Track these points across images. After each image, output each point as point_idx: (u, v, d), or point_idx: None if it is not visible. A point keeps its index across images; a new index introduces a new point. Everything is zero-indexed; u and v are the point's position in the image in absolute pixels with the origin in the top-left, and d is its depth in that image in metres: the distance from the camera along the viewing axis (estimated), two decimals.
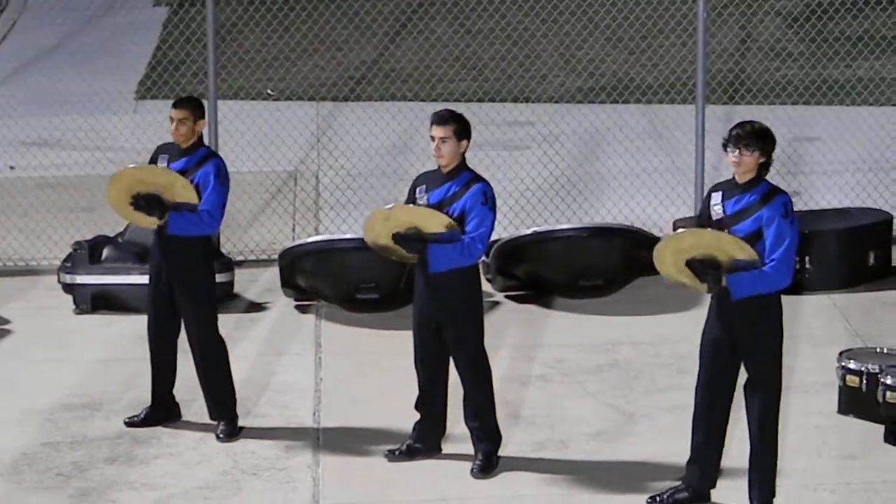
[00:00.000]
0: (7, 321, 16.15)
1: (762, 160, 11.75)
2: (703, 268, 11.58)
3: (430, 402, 13.10)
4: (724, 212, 11.79)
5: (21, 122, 21.44)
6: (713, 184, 12.38)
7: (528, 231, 16.43)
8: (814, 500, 12.25)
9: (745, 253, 11.44)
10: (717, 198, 11.91)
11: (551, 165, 18.88)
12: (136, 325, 13.89)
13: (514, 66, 21.90)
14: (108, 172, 13.59)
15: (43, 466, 13.22)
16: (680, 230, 12.26)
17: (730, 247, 11.50)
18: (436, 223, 12.57)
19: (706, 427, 12.08)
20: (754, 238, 11.61)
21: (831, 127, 20.30)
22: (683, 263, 11.64)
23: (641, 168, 17.57)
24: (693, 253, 11.59)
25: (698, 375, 12.07)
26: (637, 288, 15.04)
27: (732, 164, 11.80)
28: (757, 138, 11.75)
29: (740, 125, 11.87)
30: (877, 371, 11.31)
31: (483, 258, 13.62)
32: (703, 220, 12.03)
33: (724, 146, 11.84)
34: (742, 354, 11.85)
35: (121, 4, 26.82)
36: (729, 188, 11.90)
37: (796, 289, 15.52)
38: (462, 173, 12.75)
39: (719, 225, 11.75)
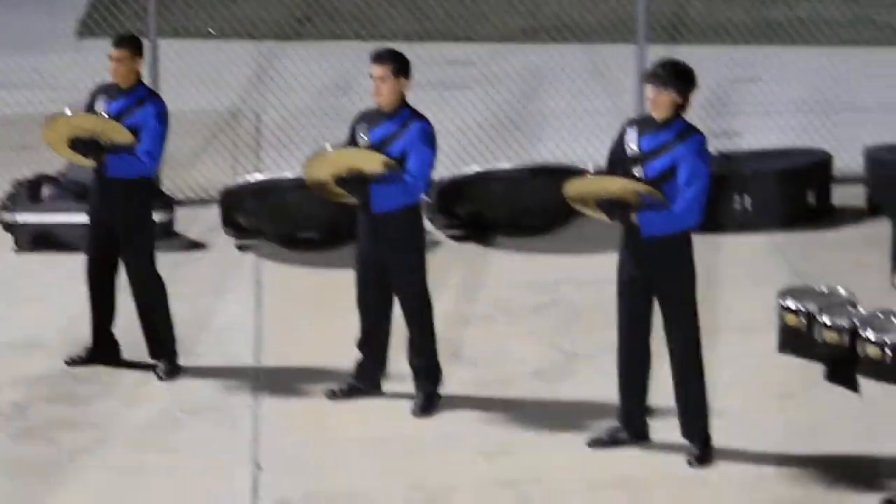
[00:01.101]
0: None
1: (679, 100, 11.85)
2: (611, 207, 11.74)
3: (372, 341, 13.18)
4: (639, 148, 11.90)
5: None
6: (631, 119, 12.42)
7: (470, 170, 16.48)
8: (751, 438, 12.35)
9: (646, 189, 11.66)
10: (632, 133, 12.05)
11: (493, 105, 18.91)
12: (76, 265, 13.88)
13: (455, 6, 21.87)
14: (50, 111, 13.54)
15: None
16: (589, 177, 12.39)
17: (632, 186, 11.72)
18: (376, 163, 12.63)
19: (629, 366, 12.22)
20: (667, 175, 11.74)
21: (772, 67, 20.38)
22: (595, 203, 11.81)
23: (583, 108, 17.62)
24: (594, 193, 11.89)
25: (618, 313, 12.21)
26: (578, 228, 15.08)
27: (649, 101, 11.97)
28: (674, 78, 11.89)
29: (661, 63, 12.03)
30: (816, 310, 11.37)
31: (424, 197, 13.62)
32: (615, 155, 12.14)
33: (647, 81, 11.96)
34: (655, 292, 12.01)
35: None
36: (645, 125, 12.06)
37: (734, 228, 15.64)
38: (402, 112, 12.83)
39: (633, 161, 11.89)
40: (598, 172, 12.22)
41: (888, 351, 11.08)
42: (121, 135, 13.20)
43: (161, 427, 12.92)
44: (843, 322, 11.35)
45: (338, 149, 12.93)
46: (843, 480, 11.93)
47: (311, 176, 12.98)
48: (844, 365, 11.38)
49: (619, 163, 11.99)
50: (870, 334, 11.19)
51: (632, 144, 11.98)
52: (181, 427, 12.93)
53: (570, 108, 18.31)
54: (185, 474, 12.22)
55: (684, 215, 11.81)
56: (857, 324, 11.31)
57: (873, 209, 16.12)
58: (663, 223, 11.81)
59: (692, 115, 12.01)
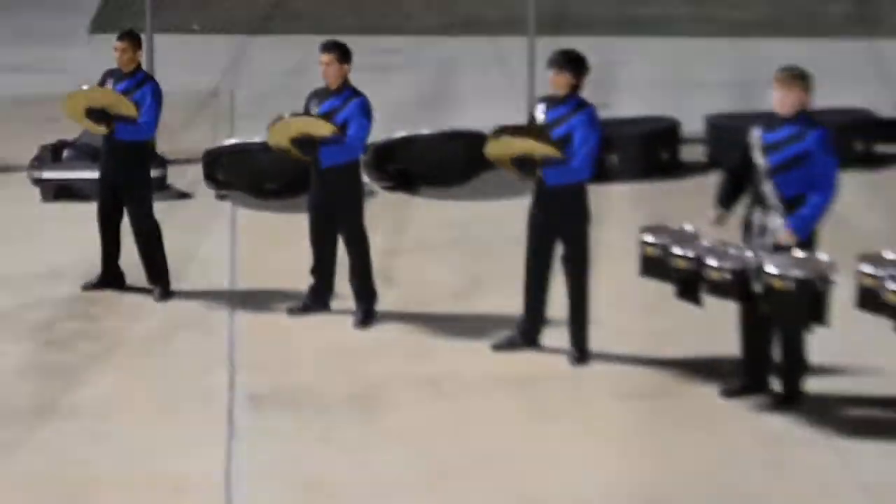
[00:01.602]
0: None
1: (574, 81, 11.92)
2: (521, 163, 11.82)
3: (322, 269, 13.22)
4: (546, 118, 11.96)
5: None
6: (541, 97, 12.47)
7: (398, 135, 16.47)
8: (620, 342, 12.44)
9: (550, 151, 11.70)
10: (542, 107, 12.19)
11: (415, 84, 18.89)
12: (90, 211, 13.84)
13: (385, 6, 21.81)
14: (68, 91, 13.54)
15: (17, 322, 13.22)
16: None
17: (540, 147, 11.74)
18: (324, 128, 12.71)
19: (533, 289, 12.29)
20: (567, 139, 11.80)
21: (634, 54, 20.34)
22: (509, 160, 11.97)
23: (485, 86, 17.59)
24: (510, 152, 11.96)
25: (526, 248, 12.25)
26: (482, 179, 15.07)
27: (551, 82, 11.98)
28: (570, 62, 12.00)
29: (560, 52, 12.16)
30: (669, 243, 11.40)
31: (362, 156, 13.61)
32: (530, 124, 12.28)
33: (548, 67, 11.98)
34: (557, 231, 12.03)
35: None
36: (551, 101, 12.12)
37: (605, 179, 15.63)
38: (345, 90, 12.92)
39: (544, 128, 11.97)
40: (511, 131, 12.21)
41: (726, 274, 11.11)
42: (126, 108, 13.27)
43: (157, 338, 12.93)
44: (690, 252, 11.37)
45: (293, 116, 12.92)
46: (690, 374, 12.00)
47: (274, 136, 13.02)
48: (691, 285, 11.41)
49: (538, 127, 12.09)
50: (711, 261, 11.21)
51: (540, 115, 12.09)
52: (173, 338, 12.92)
53: (476, 87, 18.29)
54: (176, 374, 12.24)
55: (580, 170, 11.97)
56: (701, 253, 11.33)
57: (712, 163, 16.16)
58: (563, 176, 11.90)
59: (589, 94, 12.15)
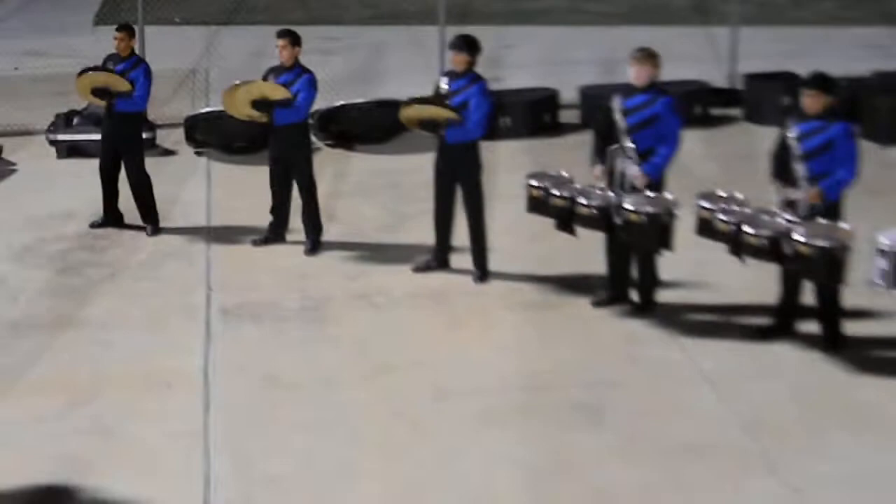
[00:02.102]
0: (14, 164, 15.98)
1: (470, 59, 11.95)
2: (430, 125, 11.88)
3: (279, 208, 13.17)
4: (449, 89, 11.99)
5: (19, 42, 21.03)
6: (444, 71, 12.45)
7: (338, 103, 16.41)
8: (512, 264, 12.46)
9: (451, 116, 11.79)
10: (445, 80, 12.17)
11: (351, 64, 18.80)
12: (94, 165, 13.72)
13: (327, 2, 21.67)
14: (76, 72, 13.42)
15: (38, 253, 13.13)
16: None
17: (442, 112, 11.80)
18: (278, 93, 12.67)
19: (440, 223, 12.34)
20: (464, 105, 11.91)
21: (523, 38, 20.27)
22: (416, 123, 12.07)
23: (406, 65, 17.52)
24: (419, 115, 12.03)
25: (434, 192, 12.29)
26: (403, 138, 15.04)
27: (452, 60, 12.14)
28: (467, 45, 12.02)
29: (459, 36, 12.23)
30: (549, 186, 11.41)
31: (310, 120, 13.56)
32: (435, 94, 12.16)
33: (450, 48, 12.11)
34: (456, 178, 12.06)
35: None
36: (452, 74, 12.11)
37: (500, 137, 15.60)
38: (296, 67, 12.86)
39: (446, 97, 12.00)
40: (419, 101, 12.19)
41: (593, 210, 11.14)
42: (123, 85, 13.19)
43: (150, 265, 12.85)
44: (565, 193, 11.38)
45: (246, 83, 12.86)
46: (568, 289, 12.03)
47: (233, 106, 12.94)
48: (567, 219, 11.42)
49: (439, 97, 12.02)
50: (582, 200, 11.23)
51: (444, 86, 12.04)
52: (161, 265, 12.85)
53: (398, 65, 18.22)
54: (164, 293, 12.20)
55: (474, 130, 11.92)
56: (574, 195, 11.34)
57: (584, 124, 16.13)
58: (461, 135, 11.87)
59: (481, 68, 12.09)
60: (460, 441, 9.62)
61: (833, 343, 10.82)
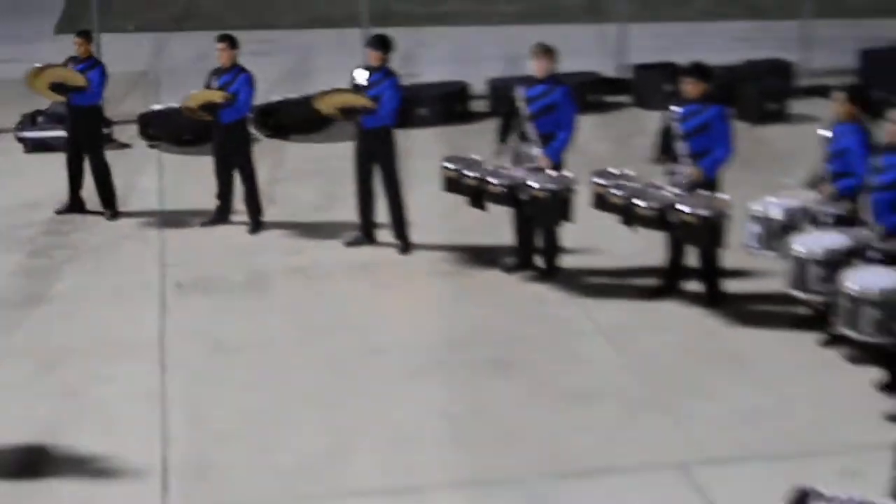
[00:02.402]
0: None
1: (384, 56, 12.00)
2: (347, 112, 12.07)
3: (224, 194, 13.07)
4: (367, 82, 11.97)
5: None
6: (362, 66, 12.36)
7: (273, 99, 16.30)
8: (430, 236, 12.46)
9: (365, 103, 11.88)
10: (363, 74, 12.12)
11: (285, 64, 18.74)
12: (58, 159, 13.60)
13: (262, 8, 21.56)
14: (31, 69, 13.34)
15: (9, 238, 13.00)
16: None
17: (359, 100, 11.89)
18: (219, 96, 12.59)
19: (363, 201, 12.34)
20: (379, 97, 11.95)
21: (437, 38, 20.21)
22: (338, 109, 12.18)
23: (334, 64, 17.38)
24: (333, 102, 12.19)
25: (355, 174, 12.32)
26: (332, 129, 14.94)
27: (369, 57, 12.18)
28: (381, 44, 12.07)
29: (374, 36, 12.37)
30: (462, 167, 11.40)
31: (249, 114, 13.44)
32: (354, 86, 12.16)
33: (367, 46, 12.32)
34: (373, 160, 12.09)
35: None
36: (369, 69, 12.08)
37: (417, 125, 15.56)
38: (235, 68, 12.78)
39: (364, 88, 12.02)
40: (334, 91, 12.22)
41: (502, 189, 11.15)
42: (78, 79, 13.02)
43: (109, 245, 12.74)
44: (477, 173, 11.38)
45: (200, 90, 12.80)
46: (480, 257, 12.04)
47: (187, 103, 12.83)
48: (478, 197, 11.43)
49: (357, 88, 11.99)
50: (492, 180, 11.23)
51: (360, 81, 12.00)
52: (120, 245, 12.75)
53: (326, 65, 18.11)
54: (123, 271, 12.14)
55: (386, 117, 11.98)
56: (484, 175, 11.35)
57: (492, 112, 16.05)
58: (376, 122, 11.91)
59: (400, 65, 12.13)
60: (389, 393, 9.64)
61: (713, 299, 10.90)
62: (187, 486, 8.49)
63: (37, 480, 8.55)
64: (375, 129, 12.08)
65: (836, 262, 9.69)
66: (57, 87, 13.09)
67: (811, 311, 10.33)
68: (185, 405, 9.54)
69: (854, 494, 5.07)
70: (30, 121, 15.97)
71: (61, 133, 14.15)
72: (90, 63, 13.33)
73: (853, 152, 10.04)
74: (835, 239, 9.85)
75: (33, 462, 8.75)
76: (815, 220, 10.21)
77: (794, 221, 10.25)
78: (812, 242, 9.88)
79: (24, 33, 21.14)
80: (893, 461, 5.86)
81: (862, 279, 9.22)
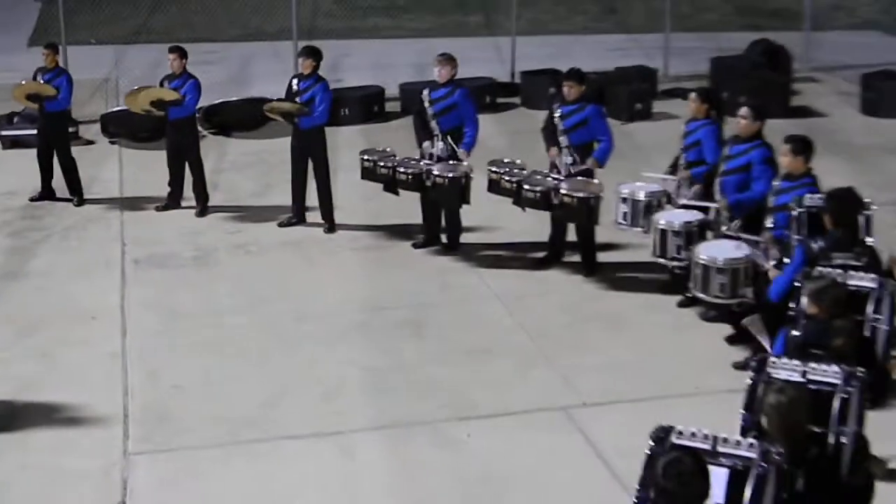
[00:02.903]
0: None
1: (314, 64, 11.88)
2: (286, 115, 11.93)
3: (175, 182, 12.86)
4: (299, 87, 11.90)
5: None
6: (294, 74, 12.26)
7: (217, 101, 16.03)
8: (354, 217, 12.36)
9: (298, 108, 11.81)
10: (296, 81, 12.05)
11: (227, 71, 18.50)
12: (32, 154, 13.36)
13: (207, 24, 21.26)
14: (14, 84, 13.06)
15: None
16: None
17: (294, 107, 11.89)
18: (170, 96, 12.46)
19: (296, 188, 12.24)
20: (311, 101, 11.86)
21: (357, 50, 20.04)
22: (279, 114, 12.18)
23: (269, 71, 17.24)
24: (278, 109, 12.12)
25: (292, 166, 12.19)
26: (269, 127, 14.66)
27: (301, 66, 12.11)
28: (312, 53, 11.99)
29: (305, 47, 12.23)
30: (376, 159, 11.37)
31: (197, 114, 13.26)
32: (288, 95, 12.07)
33: (299, 56, 12.22)
34: (307, 153, 11.95)
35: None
36: (301, 77, 12.00)
37: (340, 124, 15.40)
38: (185, 74, 12.63)
39: (297, 95, 11.93)
40: (278, 101, 12.12)
41: (410, 177, 11.14)
42: (49, 91, 12.77)
43: (77, 228, 12.49)
44: (389, 164, 11.36)
45: (147, 88, 12.78)
46: (394, 235, 11.98)
47: (136, 104, 12.80)
48: (391, 184, 11.42)
49: (290, 95, 11.93)
50: (401, 169, 11.23)
51: (295, 87, 11.92)
52: (86, 227, 12.54)
53: (263, 72, 17.92)
54: (89, 249, 11.96)
55: (319, 118, 11.87)
56: (396, 165, 11.32)
57: (404, 112, 15.90)
58: (309, 122, 11.81)
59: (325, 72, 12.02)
60: (318, 351, 9.63)
61: (590, 268, 10.93)
62: (145, 432, 8.44)
63: (12, 432, 8.45)
64: (310, 129, 11.94)
65: (690, 234, 9.87)
66: (33, 97, 12.86)
67: (671, 277, 10.43)
68: (143, 364, 9.44)
69: (707, 431, 5.10)
70: (6, 121, 15.60)
71: (34, 132, 13.82)
72: (56, 72, 13.04)
73: (705, 144, 10.20)
74: (689, 215, 10.00)
75: (9, 415, 8.63)
76: (673, 201, 10.33)
77: (655, 202, 10.36)
78: (671, 218, 10.01)
79: (1, 45, 20.66)
80: (743, 403, 5.92)
81: (710, 250, 9.37)
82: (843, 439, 5.68)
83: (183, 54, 12.72)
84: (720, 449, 5.00)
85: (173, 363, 9.46)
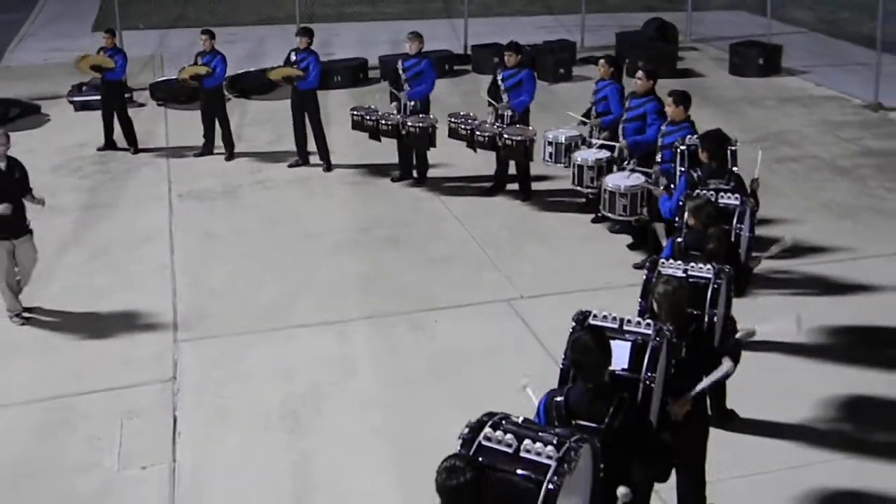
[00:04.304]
0: (48, 115, 14.77)
1: (309, 41, 11.69)
2: (288, 79, 11.63)
3: (208, 134, 12.60)
4: (296, 59, 11.67)
5: (47, 42, 19.77)
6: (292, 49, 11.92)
7: (239, 71, 15.63)
8: (345, 159, 12.20)
9: (299, 73, 11.53)
10: (293, 54, 11.77)
11: (246, 48, 18.08)
12: (98, 115, 13.11)
13: (229, 13, 20.78)
14: (73, 59, 12.90)
15: (66, 168, 12.50)
16: None
17: (293, 71, 11.57)
18: (203, 70, 12.21)
19: (298, 137, 11.89)
20: (307, 68, 11.60)
21: (346, 30, 19.66)
22: (281, 78, 11.88)
23: (279, 47, 16.73)
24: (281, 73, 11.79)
25: (292, 117, 11.90)
26: (278, 91, 14.34)
27: (300, 42, 11.76)
28: (306, 32, 11.81)
29: (301, 26, 12.00)
30: (363, 113, 11.21)
31: (224, 82, 12.96)
32: (286, 64, 11.77)
33: (297, 35, 11.85)
34: (303, 108, 11.80)
35: None
36: (298, 50, 11.72)
37: (334, 88, 15.07)
38: (214, 51, 12.35)
39: (294, 64, 11.64)
40: (279, 67, 11.91)
41: (389, 126, 11.04)
42: (110, 63, 12.48)
43: (134, 171, 12.29)
44: (373, 117, 11.21)
45: (189, 66, 12.38)
46: (377, 172, 11.85)
47: (180, 75, 12.47)
48: (374, 133, 11.31)
49: (287, 64, 11.70)
50: (383, 121, 11.10)
51: (293, 58, 11.70)
52: (140, 170, 12.33)
53: (275, 48, 17.34)
54: (143, 187, 11.77)
55: (312, 83, 11.67)
56: (378, 118, 11.19)
57: (382, 78, 15.57)
58: (305, 85, 11.63)
59: (319, 47, 11.69)
60: (320, 262, 9.57)
61: (526, 195, 10.90)
62: (190, 324, 8.40)
63: (91, 328, 8.40)
64: (305, 91, 11.75)
65: (600, 168, 9.83)
66: (96, 68, 12.55)
67: (586, 200, 10.41)
68: (187, 273, 9.37)
69: (615, 314, 5.10)
70: (77, 89, 15.27)
71: (97, 97, 13.50)
72: (115, 50, 12.76)
73: (611, 99, 10.13)
74: (600, 153, 9.96)
75: (90, 315, 8.57)
76: (586, 142, 10.28)
77: (574, 143, 10.31)
78: (586, 155, 9.97)
79: (71, 31, 20.22)
80: (640, 293, 5.94)
81: (615, 180, 9.36)
82: (715, 319, 5.73)
83: (212, 35, 12.43)
84: (625, 328, 5.00)
85: (209, 272, 9.37)
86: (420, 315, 8.42)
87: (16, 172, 8.29)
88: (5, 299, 8.48)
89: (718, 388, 6.59)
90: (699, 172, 7.86)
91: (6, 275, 8.35)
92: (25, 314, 8.51)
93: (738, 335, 6.00)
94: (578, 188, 10.10)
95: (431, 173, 11.61)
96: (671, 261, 6.02)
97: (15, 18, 22.07)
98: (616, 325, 5.01)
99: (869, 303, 8.43)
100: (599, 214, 9.86)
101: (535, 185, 11.06)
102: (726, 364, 5.45)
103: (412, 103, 11.12)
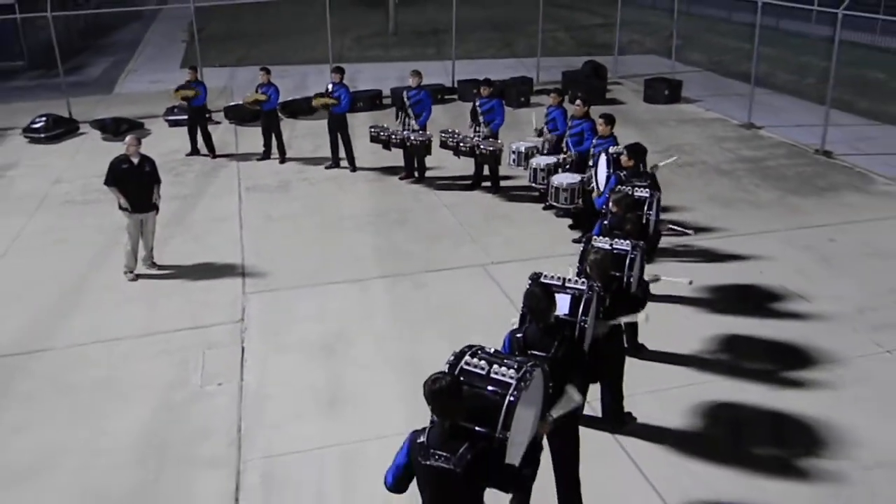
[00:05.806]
0: (149, 130, 14.61)
1: (340, 76, 11.30)
2: (326, 106, 11.20)
3: (267, 145, 12.34)
4: (332, 90, 11.31)
5: (147, 76, 19.45)
6: (330, 80, 11.66)
7: (289, 98, 15.32)
8: (365, 162, 12.05)
9: (334, 101, 11.16)
10: (330, 86, 11.40)
11: (295, 82, 17.85)
12: (185, 130, 12.82)
13: (282, 55, 20.43)
14: (173, 89, 12.53)
15: (164, 168, 12.01)
16: None
17: (329, 100, 11.21)
18: (262, 97, 11.90)
19: (333, 149, 11.64)
20: (339, 98, 11.28)
21: (367, 70, 19.40)
22: (321, 105, 11.39)
23: (318, 82, 16.58)
24: (321, 102, 11.26)
25: (328, 135, 11.62)
26: (318, 113, 14.13)
27: (332, 77, 11.32)
28: (338, 70, 11.41)
29: (334, 66, 11.43)
30: (379, 131, 11.01)
31: (278, 106, 12.70)
32: (326, 93, 11.37)
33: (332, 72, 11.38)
34: (337, 128, 11.44)
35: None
36: (333, 84, 11.35)
37: (357, 111, 14.82)
38: (270, 83, 12.00)
39: (330, 94, 11.31)
40: (319, 95, 11.55)
41: (398, 139, 10.84)
42: (195, 94, 12.23)
43: (213, 171, 12.07)
44: (386, 133, 11.10)
45: (251, 94, 12.04)
46: (389, 172, 11.69)
47: (245, 101, 12.13)
48: (387, 144, 11.16)
49: (325, 94, 11.32)
50: (393, 135, 10.96)
51: (329, 89, 11.37)
52: (218, 171, 12.14)
53: (315, 82, 17.18)
54: (221, 181, 11.55)
55: (343, 108, 11.28)
56: (389, 133, 11.05)
57: (393, 104, 15.35)
58: (339, 110, 11.29)
59: (348, 81, 11.46)
60: (349, 237, 9.53)
61: (496, 189, 10.85)
62: (254, 280, 8.40)
63: (183, 289, 8.35)
64: (338, 114, 11.60)
65: (549, 170, 9.82)
66: (185, 98, 12.32)
67: (539, 194, 10.41)
68: (252, 244, 9.33)
69: (559, 275, 5.12)
70: (170, 111, 15.08)
71: (185, 117, 13.33)
72: (197, 83, 12.56)
73: (558, 120, 10.16)
74: (548, 159, 9.95)
75: (182, 273, 8.53)
76: (540, 151, 10.27)
77: (531, 152, 10.30)
78: (539, 161, 9.98)
79: (165, 67, 19.96)
80: (578, 260, 5.97)
81: (559, 178, 9.39)
82: (631, 280, 5.80)
83: (268, 71, 12.25)
84: (567, 285, 5.08)
85: (269, 244, 9.33)
86: (420, 275, 8.44)
87: (146, 166, 8.37)
88: (126, 259, 8.47)
89: (633, 328, 6.68)
90: (625, 173, 7.88)
91: (133, 241, 8.37)
92: (136, 272, 8.51)
93: (646, 277, 6.09)
94: (533, 185, 10.11)
95: (428, 174, 11.56)
96: (600, 237, 6.08)
97: (123, 58, 21.90)
98: (560, 283, 5.09)
99: (740, 268, 8.52)
100: (548, 203, 9.88)
101: (503, 182, 11.02)
102: (641, 315, 5.54)
103: (415, 123, 11.08)
